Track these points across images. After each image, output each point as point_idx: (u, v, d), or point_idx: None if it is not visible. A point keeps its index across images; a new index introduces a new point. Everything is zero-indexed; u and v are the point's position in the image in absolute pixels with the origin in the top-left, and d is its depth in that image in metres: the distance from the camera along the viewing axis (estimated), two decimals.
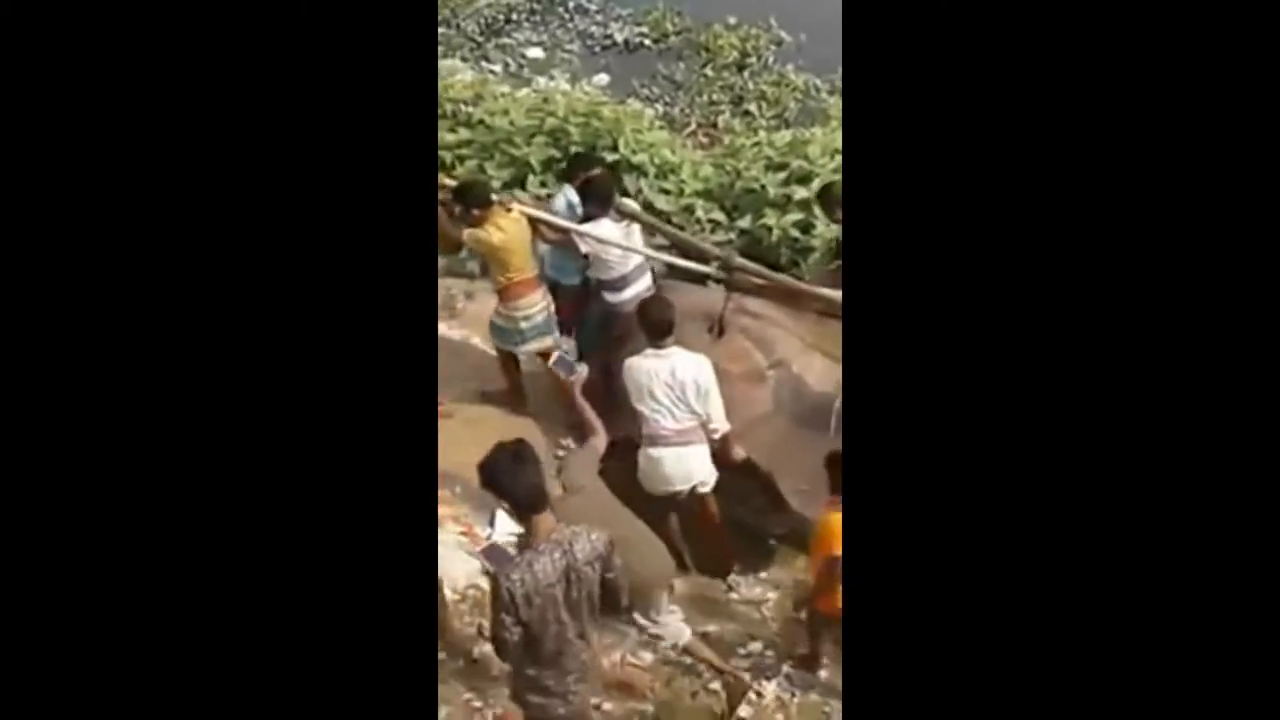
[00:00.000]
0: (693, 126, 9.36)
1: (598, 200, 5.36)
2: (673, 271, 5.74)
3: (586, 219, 5.39)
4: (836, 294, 5.10)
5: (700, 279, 5.59)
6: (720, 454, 4.75)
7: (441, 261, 5.88)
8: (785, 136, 7.73)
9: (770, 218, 6.83)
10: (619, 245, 5.31)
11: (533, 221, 5.36)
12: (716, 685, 4.36)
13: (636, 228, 5.51)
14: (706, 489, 4.75)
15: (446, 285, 6.43)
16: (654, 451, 4.64)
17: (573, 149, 7.21)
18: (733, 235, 6.97)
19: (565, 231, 5.40)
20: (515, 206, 5.37)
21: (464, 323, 6.20)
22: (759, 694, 4.31)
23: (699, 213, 7.12)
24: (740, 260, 5.40)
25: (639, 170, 7.31)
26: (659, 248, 5.86)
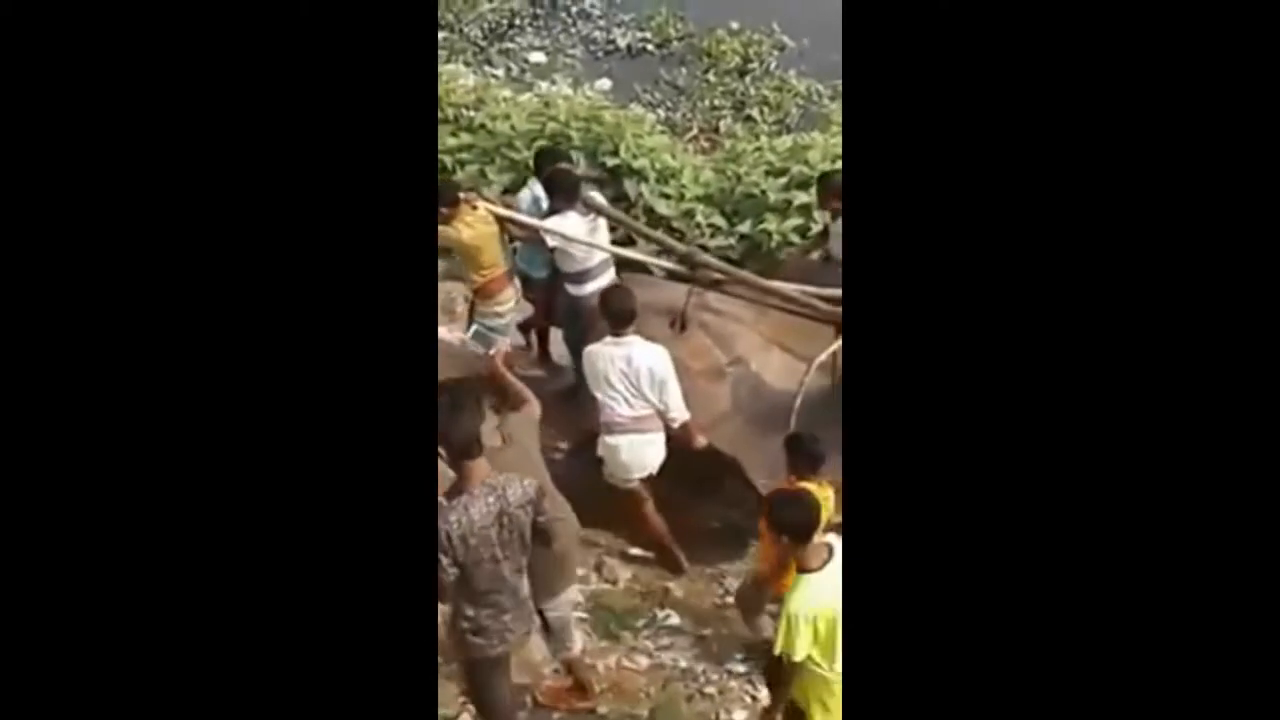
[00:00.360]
0: (694, 131, 9.37)
1: (563, 194, 5.41)
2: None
3: (552, 212, 5.43)
4: (796, 289, 5.17)
5: (678, 277, 5.64)
6: (680, 440, 4.80)
7: (441, 265, 5.90)
8: (786, 142, 7.75)
9: (771, 222, 6.85)
10: (580, 241, 5.36)
11: (500, 218, 5.46)
12: (712, 689, 4.38)
13: (603, 222, 5.55)
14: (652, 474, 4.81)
15: (446, 289, 6.44)
16: (610, 439, 4.72)
17: (573, 154, 7.22)
18: (733, 240, 6.99)
19: (530, 227, 5.47)
20: (481, 204, 5.45)
21: (464, 326, 6.22)
22: (754, 698, 4.32)
23: (699, 217, 7.14)
24: (703, 256, 5.46)
25: (640, 175, 7.32)
26: (621, 242, 5.92)
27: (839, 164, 6.74)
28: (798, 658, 3.26)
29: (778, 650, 3.31)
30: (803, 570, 3.32)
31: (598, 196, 5.73)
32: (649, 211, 7.15)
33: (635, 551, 5.09)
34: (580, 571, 4.92)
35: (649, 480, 4.81)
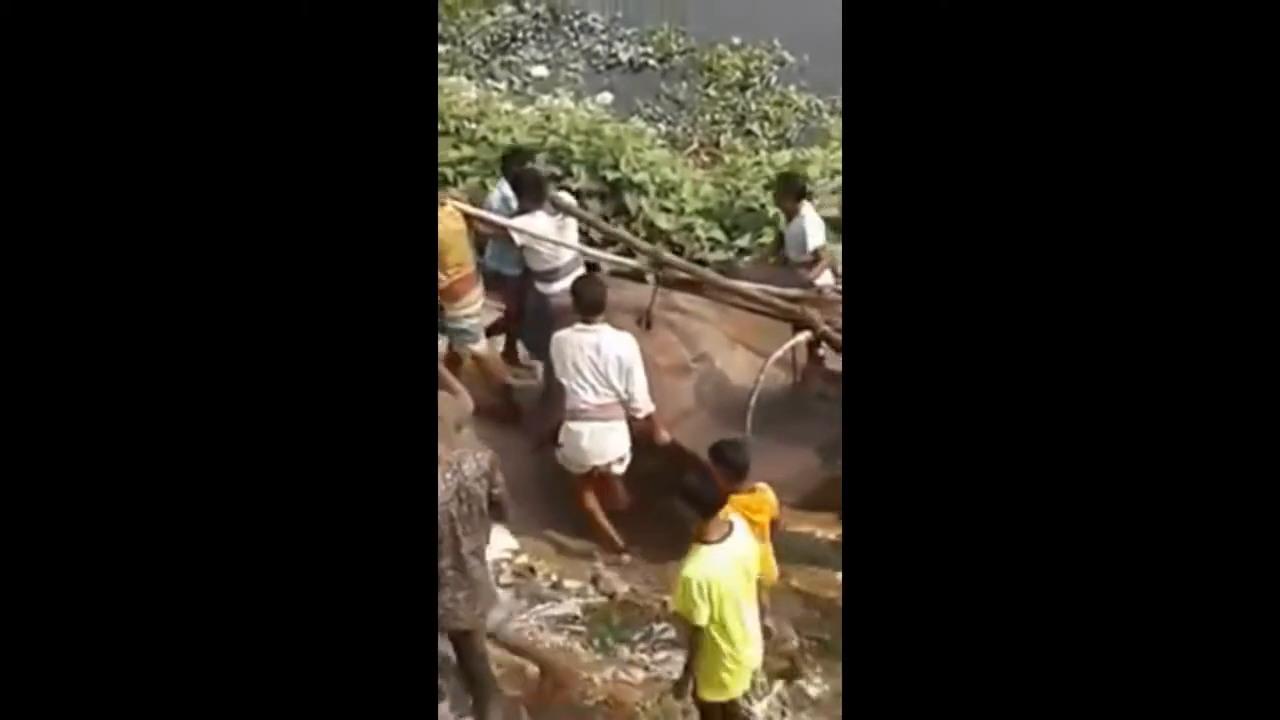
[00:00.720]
0: (695, 145, 9.42)
1: (530, 194, 5.45)
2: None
3: (521, 212, 5.46)
4: (758, 288, 5.25)
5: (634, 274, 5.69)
6: (644, 434, 4.84)
7: None
8: (786, 156, 7.82)
9: (769, 236, 6.87)
10: (548, 240, 5.40)
11: (468, 216, 5.46)
12: None
13: (572, 221, 5.58)
14: (620, 469, 4.86)
15: None
16: (573, 425, 4.76)
17: (574, 167, 7.27)
18: (732, 254, 7.02)
19: (499, 226, 5.49)
20: (449, 202, 5.42)
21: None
22: (749, 712, 4.31)
23: (699, 231, 7.17)
24: (669, 256, 5.53)
25: (639, 189, 7.36)
26: (592, 241, 5.98)
27: (836, 179, 6.81)
28: (695, 623, 3.40)
29: (672, 609, 3.48)
30: (702, 542, 3.44)
31: (565, 196, 5.78)
32: (649, 225, 7.18)
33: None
34: (576, 584, 4.94)
35: (605, 469, 4.86)
